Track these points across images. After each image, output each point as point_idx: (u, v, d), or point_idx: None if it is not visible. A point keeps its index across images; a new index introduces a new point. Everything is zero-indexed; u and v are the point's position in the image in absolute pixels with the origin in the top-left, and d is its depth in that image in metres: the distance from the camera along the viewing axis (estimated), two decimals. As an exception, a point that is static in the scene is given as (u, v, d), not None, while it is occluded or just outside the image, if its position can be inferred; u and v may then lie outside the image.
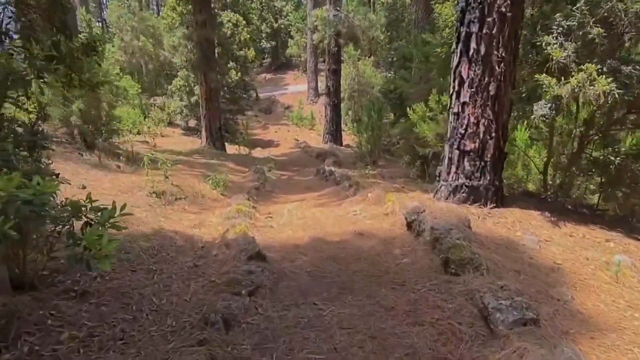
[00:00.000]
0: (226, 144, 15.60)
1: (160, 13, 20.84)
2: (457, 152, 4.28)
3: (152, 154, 8.44)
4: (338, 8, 16.27)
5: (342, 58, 17.72)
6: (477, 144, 4.16)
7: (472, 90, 4.04)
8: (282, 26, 33.18)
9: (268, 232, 4.51)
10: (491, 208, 4.28)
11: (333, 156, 13.87)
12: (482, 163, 4.19)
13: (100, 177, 5.58)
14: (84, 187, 4.82)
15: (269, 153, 16.55)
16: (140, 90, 17.18)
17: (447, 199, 4.40)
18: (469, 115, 4.13)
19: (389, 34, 23.78)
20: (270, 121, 24.70)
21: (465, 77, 4.06)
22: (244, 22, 18.95)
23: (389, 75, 19.81)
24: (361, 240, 4.11)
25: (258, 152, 16.96)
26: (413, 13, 16.29)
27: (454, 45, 4.20)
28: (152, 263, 3.15)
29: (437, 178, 4.60)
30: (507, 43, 3.87)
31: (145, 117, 16.46)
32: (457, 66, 4.13)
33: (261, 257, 3.49)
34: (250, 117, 23.33)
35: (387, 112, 13.07)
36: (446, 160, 4.42)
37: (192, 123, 18.99)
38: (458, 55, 4.10)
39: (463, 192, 4.30)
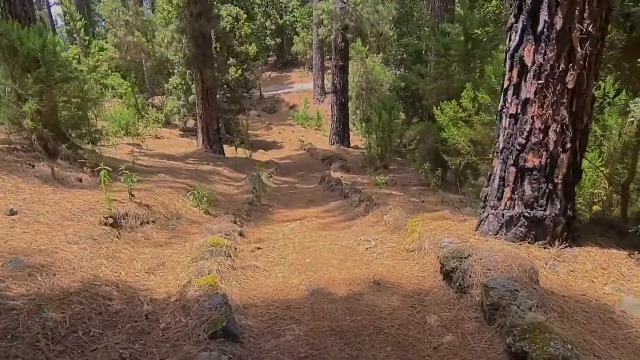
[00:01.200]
0: (226, 145, 14.51)
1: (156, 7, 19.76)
2: (513, 169, 3.05)
3: (133, 162, 7.32)
4: (345, 0, 15.05)
5: (349, 54, 16.50)
6: (543, 159, 2.93)
7: (540, 82, 2.80)
8: (288, 22, 32.00)
9: (251, 277, 3.33)
10: (560, 248, 3.05)
11: (340, 159, 12.79)
12: (551, 186, 2.96)
13: (47, 195, 4.43)
14: (12, 213, 3.68)
15: (271, 157, 15.43)
16: (131, 88, 16.17)
17: (497, 233, 3.17)
18: (533, 117, 2.89)
19: (398, 29, 22.51)
20: (274, 121, 23.57)
21: (529, 63, 2.82)
22: (245, 15, 17.77)
23: (400, 72, 18.56)
24: (379, 295, 2.91)
25: (260, 155, 15.83)
26: (427, 3, 15.05)
27: (511, 19, 2.96)
28: (52, 356, 1.99)
29: (482, 204, 3.37)
30: (595, 14, 2.63)
31: (140, 118, 15.42)
32: (516, 48, 2.89)
33: (230, 334, 2.31)
34: (253, 117, 22.21)
35: (398, 112, 11.84)
36: (496, 181, 3.19)
37: (191, 123, 17.90)
38: (519, 32, 2.85)
39: (521, 226, 3.07)
